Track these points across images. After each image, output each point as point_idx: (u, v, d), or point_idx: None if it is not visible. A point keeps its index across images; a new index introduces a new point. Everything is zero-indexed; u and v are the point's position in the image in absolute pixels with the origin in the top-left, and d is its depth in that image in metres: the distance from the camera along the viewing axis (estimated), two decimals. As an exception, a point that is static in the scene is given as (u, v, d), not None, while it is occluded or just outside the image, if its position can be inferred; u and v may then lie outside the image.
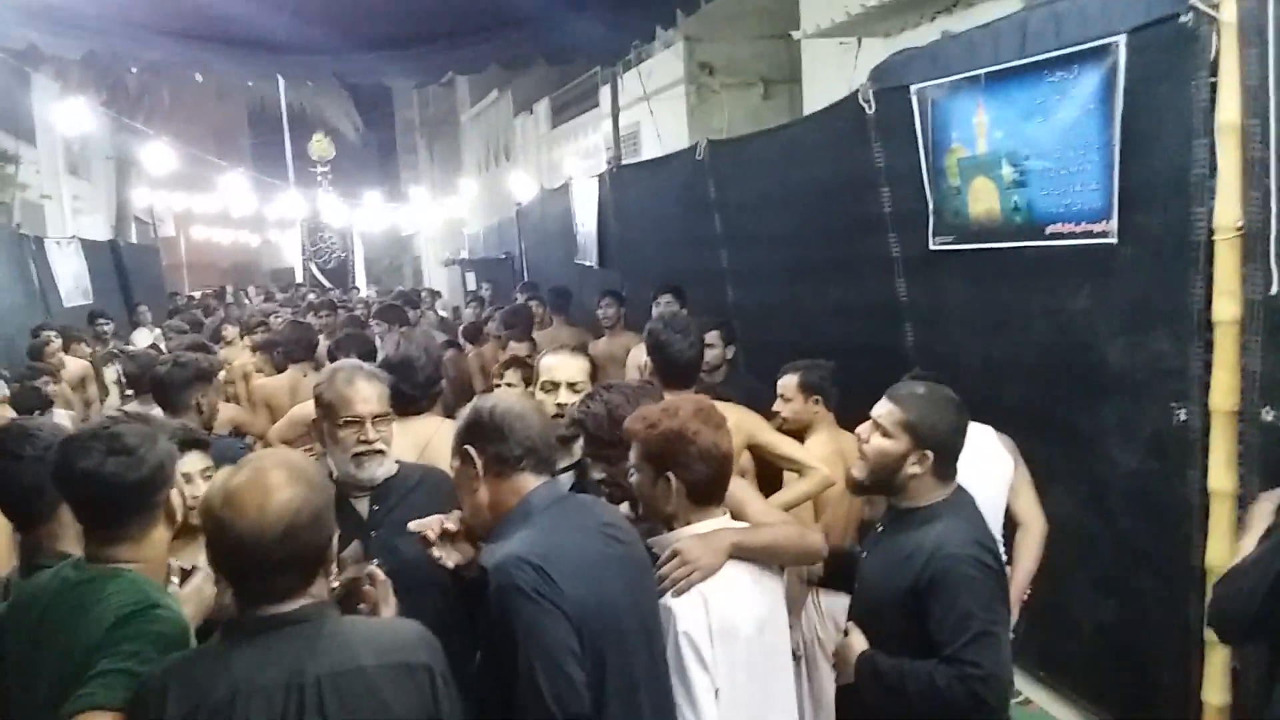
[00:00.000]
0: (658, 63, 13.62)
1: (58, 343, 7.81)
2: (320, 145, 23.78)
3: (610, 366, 5.78)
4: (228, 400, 6.85)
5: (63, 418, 6.20)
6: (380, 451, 2.76)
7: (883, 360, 4.73)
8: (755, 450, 3.55)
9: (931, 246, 4.32)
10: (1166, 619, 3.45)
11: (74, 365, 7.89)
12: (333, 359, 5.21)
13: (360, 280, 23.89)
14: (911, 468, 2.50)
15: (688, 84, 13.23)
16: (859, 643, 2.52)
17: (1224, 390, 3.13)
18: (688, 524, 2.33)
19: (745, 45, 12.83)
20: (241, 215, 22.98)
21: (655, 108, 13.29)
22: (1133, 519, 3.64)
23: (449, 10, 5.98)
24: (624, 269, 7.89)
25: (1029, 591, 3.51)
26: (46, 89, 17.02)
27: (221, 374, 7.53)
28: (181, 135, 21.30)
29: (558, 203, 9.70)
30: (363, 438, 2.74)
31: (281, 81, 11.90)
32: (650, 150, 12.41)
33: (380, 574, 2.24)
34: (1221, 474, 3.17)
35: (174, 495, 2.11)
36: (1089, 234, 3.56)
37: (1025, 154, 3.77)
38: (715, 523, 2.35)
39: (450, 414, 6.78)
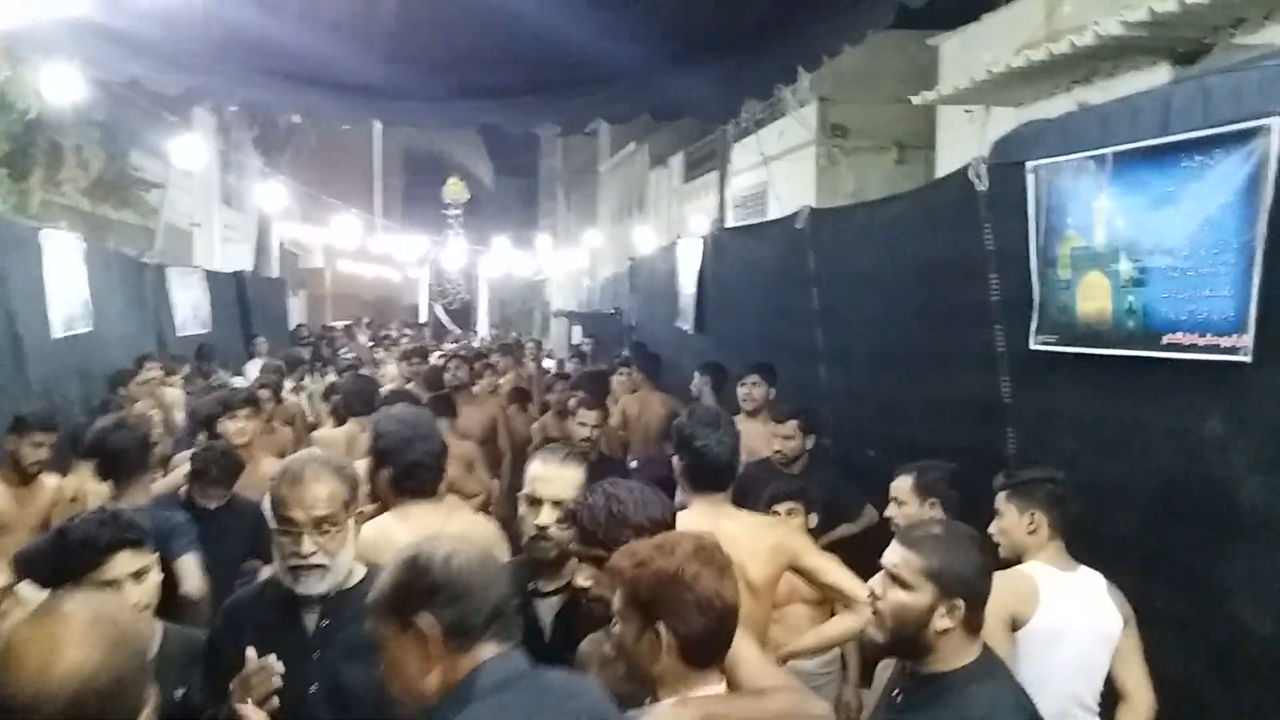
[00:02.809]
0: (789, 122, 13.27)
1: (156, 372, 7.87)
2: (455, 189, 24.26)
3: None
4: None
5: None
6: (320, 566, 2.38)
7: (981, 466, 4.20)
8: (800, 575, 3.08)
9: (1032, 345, 3.79)
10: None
11: (170, 394, 7.95)
12: (339, 416, 5.01)
13: (482, 323, 24.15)
14: (940, 622, 2.13)
15: (818, 145, 12.84)
16: None
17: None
18: (677, 692, 1.90)
19: (881, 108, 12.34)
20: (380, 252, 23.62)
21: (784, 169, 12.94)
22: (1263, 693, 3.01)
23: (550, 62, 5.78)
24: (719, 337, 7.49)
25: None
26: (204, 120, 17.82)
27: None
28: (329, 173, 22.16)
29: (666, 261, 9.42)
30: (295, 549, 2.37)
31: (378, 126, 12.02)
32: (775, 213, 12.04)
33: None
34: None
35: None
36: (1215, 348, 3.00)
37: (1148, 248, 3.24)
38: (710, 691, 1.92)
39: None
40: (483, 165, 25.68)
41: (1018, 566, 3.02)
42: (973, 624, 2.15)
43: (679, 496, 3.13)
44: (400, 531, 2.86)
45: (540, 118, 6.59)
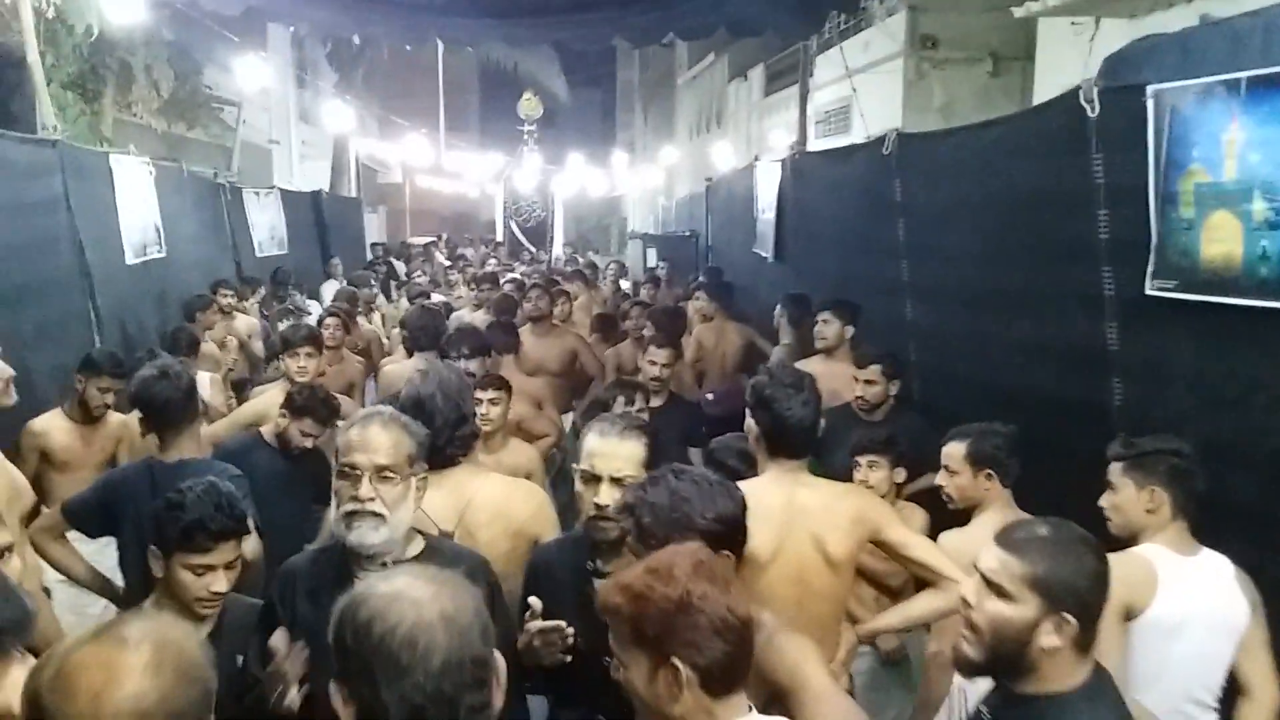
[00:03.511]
0: (875, 33, 12.58)
1: (229, 298, 7.84)
2: (529, 104, 23.83)
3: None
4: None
5: (203, 380, 6.13)
6: (376, 514, 2.27)
7: (1081, 417, 3.92)
8: (882, 549, 2.84)
9: (1147, 290, 3.43)
10: None
11: (243, 322, 7.93)
12: (408, 349, 4.82)
13: (558, 241, 23.89)
14: (1047, 639, 1.85)
15: (906, 57, 12.14)
16: None
17: None
18: None
19: (976, 16, 11.57)
20: (454, 169, 23.45)
21: (870, 83, 12.31)
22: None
23: (621, -26, 5.42)
24: (798, 266, 7.15)
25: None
26: (278, 36, 17.65)
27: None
28: (404, 88, 21.83)
29: (744, 183, 9.03)
30: (353, 493, 2.27)
31: (440, 46, 11.68)
32: (859, 129, 11.47)
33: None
34: None
35: None
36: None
37: (1290, 188, 2.86)
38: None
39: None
40: (557, 79, 25.14)
41: (1133, 549, 2.73)
42: (1084, 642, 1.87)
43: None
44: (434, 496, 2.76)
45: (610, 33, 6.24)
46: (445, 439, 2.88)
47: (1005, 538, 1.95)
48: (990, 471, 3.37)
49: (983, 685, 2.90)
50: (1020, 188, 4.35)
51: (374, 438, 2.31)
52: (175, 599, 2.49)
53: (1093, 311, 3.87)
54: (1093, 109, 3.71)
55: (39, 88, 6.00)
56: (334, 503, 2.34)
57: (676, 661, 1.63)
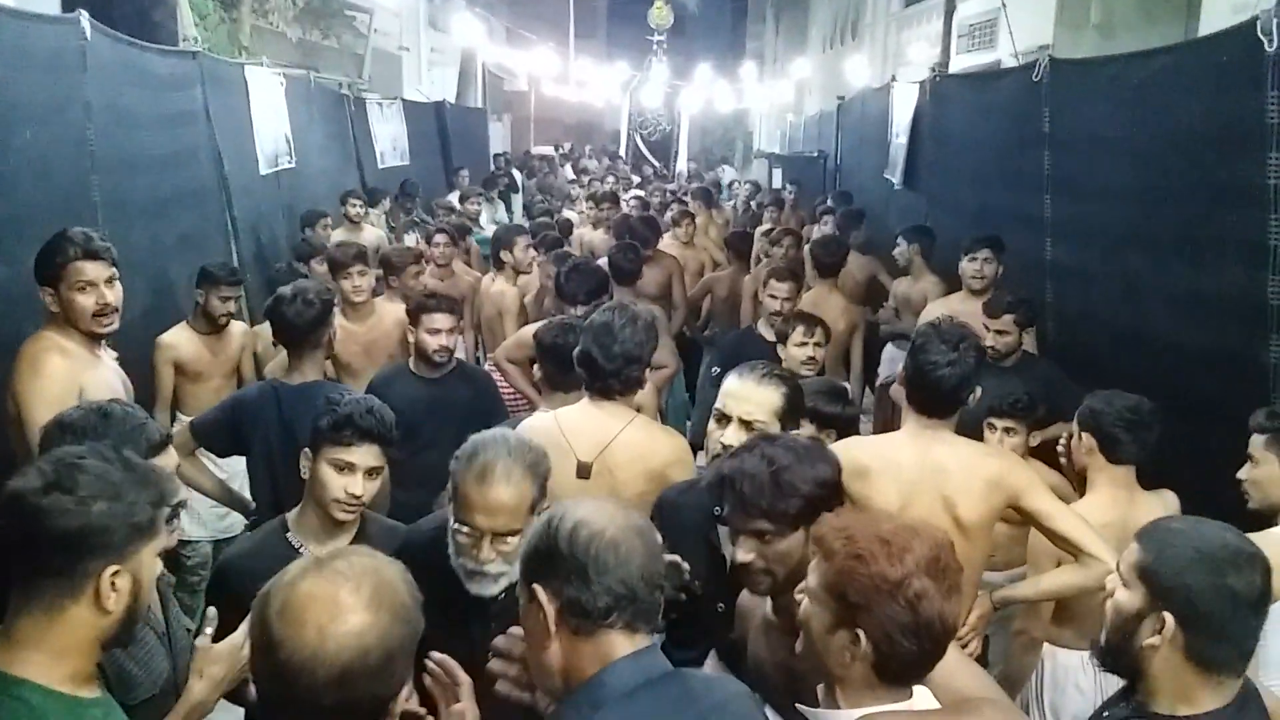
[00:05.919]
0: (1028, -59, 11.80)
1: (356, 210, 7.93)
2: (659, 13, 23.27)
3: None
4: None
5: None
6: (497, 574, 2.20)
7: (1235, 375, 3.68)
8: (1022, 516, 2.71)
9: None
10: None
11: (370, 234, 8.02)
12: (561, 291, 4.70)
13: (682, 156, 23.48)
14: (1148, 638, 1.72)
15: (1061, -32, 11.38)
16: None
17: None
18: (861, 702, 1.64)
19: (1143, -79, 10.73)
20: (580, 78, 23.23)
21: (1018, -4, 11.60)
22: None
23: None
24: (930, 195, 6.86)
25: None
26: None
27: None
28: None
29: (878, 104, 8.67)
30: (474, 554, 2.19)
31: None
32: (1006, 47, 10.86)
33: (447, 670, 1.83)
34: None
35: (119, 578, 1.60)
36: None
37: None
38: (901, 706, 1.64)
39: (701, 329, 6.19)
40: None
41: (1272, 530, 2.55)
42: (1200, 656, 1.69)
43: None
44: (582, 429, 2.87)
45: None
46: (613, 370, 2.88)
47: (1145, 528, 1.83)
48: (1095, 441, 3.03)
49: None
50: (1182, 124, 4.04)
51: (495, 500, 2.17)
52: (319, 505, 2.52)
53: (1255, 261, 3.60)
54: (1270, 42, 3.39)
55: (179, -1, 6.10)
56: (451, 547, 2.24)
57: (862, 635, 1.60)
